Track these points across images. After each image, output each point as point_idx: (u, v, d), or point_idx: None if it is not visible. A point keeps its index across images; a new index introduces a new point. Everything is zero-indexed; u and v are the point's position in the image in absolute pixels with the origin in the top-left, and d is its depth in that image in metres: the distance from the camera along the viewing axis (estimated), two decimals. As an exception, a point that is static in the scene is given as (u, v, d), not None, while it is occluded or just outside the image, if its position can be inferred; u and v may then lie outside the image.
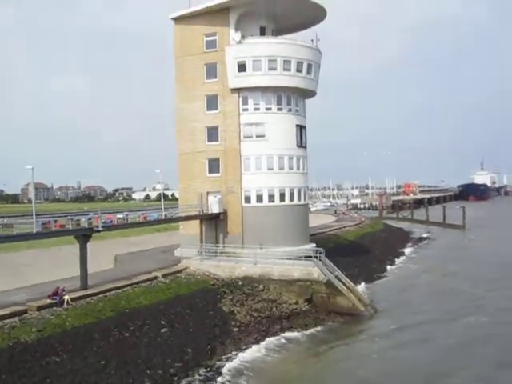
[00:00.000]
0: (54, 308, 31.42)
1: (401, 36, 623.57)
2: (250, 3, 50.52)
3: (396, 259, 69.85)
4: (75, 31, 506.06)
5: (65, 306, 31.91)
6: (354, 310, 41.00)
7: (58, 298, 32.14)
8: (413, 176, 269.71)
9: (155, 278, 40.86)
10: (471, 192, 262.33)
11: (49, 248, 55.32)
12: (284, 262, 43.55)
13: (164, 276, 41.61)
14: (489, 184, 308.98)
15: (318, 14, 54.32)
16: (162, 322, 33.71)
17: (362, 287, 49.43)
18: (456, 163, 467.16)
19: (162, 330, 32.70)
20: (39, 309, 30.79)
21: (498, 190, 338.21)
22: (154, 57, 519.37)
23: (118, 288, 36.81)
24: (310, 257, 43.16)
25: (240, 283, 42.66)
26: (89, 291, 35.24)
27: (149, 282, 39.64)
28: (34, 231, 34.46)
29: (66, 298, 32.43)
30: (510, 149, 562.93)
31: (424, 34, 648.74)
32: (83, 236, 37.37)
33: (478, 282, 53.52)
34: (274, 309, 39.95)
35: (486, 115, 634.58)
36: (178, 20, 53.09)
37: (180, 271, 44.11)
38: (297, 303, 41.05)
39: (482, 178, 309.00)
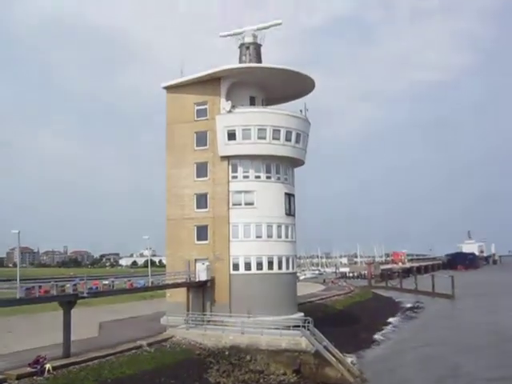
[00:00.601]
0: (35, 377, 30.56)
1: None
2: (240, 74, 51.94)
3: (385, 328, 69.03)
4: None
5: (46, 375, 31.01)
6: (343, 381, 40.05)
7: (38, 367, 31.28)
8: (400, 243, 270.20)
9: (140, 346, 39.98)
10: (460, 261, 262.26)
11: (32, 314, 54.18)
12: (272, 331, 42.84)
13: (149, 345, 40.73)
14: (477, 253, 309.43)
15: (307, 86, 55.81)
16: (146, 393, 32.80)
17: (350, 357, 48.53)
18: (443, 231, 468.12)
19: (146, 402, 31.79)
20: (19, 378, 29.89)
21: (486, 258, 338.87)
22: (146, 123, 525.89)
23: (102, 357, 35.93)
24: (299, 326, 42.60)
25: (227, 353, 41.79)
26: (71, 359, 34.40)
27: (133, 351, 38.75)
28: (18, 297, 33.88)
29: (48, 366, 31.56)
30: (496, 217, 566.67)
31: (410, 100, 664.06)
32: (68, 302, 36.75)
33: (464, 351, 53.13)
34: (262, 380, 39.08)
35: (471, 183, 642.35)
36: (169, 89, 54.27)
37: (166, 340, 43.21)
38: (285, 374, 40.10)
39: (469, 247, 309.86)
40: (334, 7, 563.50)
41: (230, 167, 51.30)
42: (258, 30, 55.83)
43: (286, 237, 52.66)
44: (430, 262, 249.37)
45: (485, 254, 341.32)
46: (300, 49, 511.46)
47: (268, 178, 51.84)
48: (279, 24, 56.26)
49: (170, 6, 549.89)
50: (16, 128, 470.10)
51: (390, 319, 78.23)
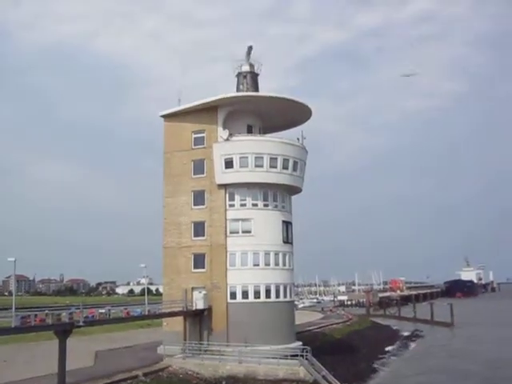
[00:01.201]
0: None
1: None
2: (237, 103, 52.32)
3: (384, 357, 68.32)
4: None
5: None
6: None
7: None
8: (398, 271, 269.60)
9: (136, 376, 39.53)
10: (458, 289, 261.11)
11: (27, 343, 53.63)
12: (269, 360, 42.45)
13: (145, 375, 40.26)
14: (475, 280, 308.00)
15: (304, 114, 56.22)
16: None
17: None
18: (441, 259, 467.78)
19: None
20: (13, 409, 29.50)
21: (484, 286, 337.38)
22: (147, 151, 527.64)
23: (97, 387, 35.51)
24: (297, 355, 42.21)
25: (224, 383, 41.32)
26: (66, 390, 33.94)
27: (129, 381, 38.35)
28: (13, 325, 33.58)
29: (42, 397, 31.16)
30: (494, 245, 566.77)
31: (407, 128, 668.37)
32: (63, 331, 36.40)
33: (462, 378, 52.71)
34: (259, 410, 38.54)
35: (468, 211, 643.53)
36: (167, 117, 54.66)
37: (162, 370, 42.76)
38: (282, 404, 39.65)
39: (468, 274, 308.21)
40: (328, 37, 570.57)
41: (227, 195, 51.36)
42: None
43: (284, 265, 52.49)
44: (429, 290, 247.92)
45: (483, 282, 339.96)
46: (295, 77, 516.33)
47: (265, 205, 51.88)
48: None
49: (169, 36, 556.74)
50: (14, 155, 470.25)
51: (389, 348, 77.46)
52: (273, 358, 42.79)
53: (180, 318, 50.19)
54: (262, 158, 50.61)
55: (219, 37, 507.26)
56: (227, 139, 51.28)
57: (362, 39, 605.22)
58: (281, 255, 52.17)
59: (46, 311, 37.85)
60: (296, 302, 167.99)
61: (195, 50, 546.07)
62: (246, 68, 56.45)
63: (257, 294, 50.13)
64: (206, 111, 52.57)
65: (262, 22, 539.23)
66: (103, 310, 44.99)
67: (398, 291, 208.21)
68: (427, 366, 61.94)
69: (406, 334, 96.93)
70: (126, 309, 48.40)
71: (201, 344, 47.64)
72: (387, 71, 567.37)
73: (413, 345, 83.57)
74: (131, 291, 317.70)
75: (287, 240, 53.39)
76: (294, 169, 52.62)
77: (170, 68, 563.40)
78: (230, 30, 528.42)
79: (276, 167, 51.16)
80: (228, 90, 55.73)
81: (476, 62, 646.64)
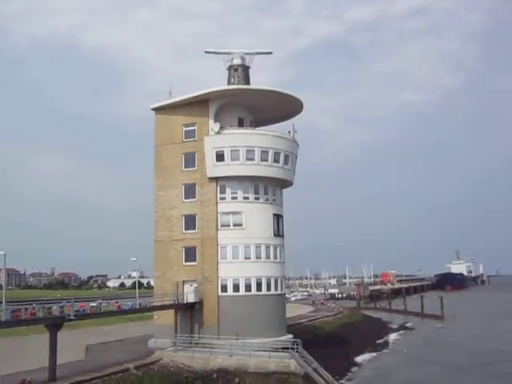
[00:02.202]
0: (20, 402, 30.09)
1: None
2: (228, 96, 52.18)
3: (374, 350, 68.70)
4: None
5: (31, 399, 30.56)
6: (332, 405, 39.80)
7: (24, 391, 30.82)
8: (389, 264, 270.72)
9: (127, 369, 39.49)
10: (448, 281, 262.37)
11: (18, 336, 53.49)
12: (260, 353, 42.48)
13: (136, 368, 40.25)
14: (465, 273, 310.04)
15: (296, 107, 56.17)
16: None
17: (340, 379, 48.24)
18: (431, 252, 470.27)
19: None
20: (4, 402, 29.47)
21: (474, 279, 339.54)
22: (127, 144, 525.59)
23: (88, 380, 35.43)
24: (287, 348, 42.32)
25: (215, 376, 41.38)
26: (57, 383, 33.92)
27: (120, 374, 38.22)
28: (3, 319, 33.50)
29: (33, 390, 31.13)
30: (484, 238, 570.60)
31: (400, 123, 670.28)
32: (54, 325, 36.34)
33: (452, 371, 53.20)
34: (250, 403, 38.63)
35: (460, 204, 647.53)
36: (158, 110, 54.40)
37: (153, 363, 42.73)
38: (273, 397, 39.74)
39: (458, 267, 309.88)
40: (321, 30, 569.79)
41: (219, 188, 51.28)
42: (249, 54, 56.40)
43: (275, 258, 52.53)
44: (419, 283, 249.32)
45: (473, 275, 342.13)
46: (288, 71, 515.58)
47: (256, 199, 51.84)
48: (269, 53, 57.19)
49: (162, 29, 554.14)
50: (2, 148, 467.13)
51: (379, 340, 77.91)
52: (264, 350, 42.76)
53: (171, 312, 50.18)
54: (254, 151, 50.54)
55: (212, 30, 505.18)
56: (218, 132, 51.13)
57: (355, 33, 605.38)
58: (272, 248, 52.20)
59: (36, 304, 37.74)
60: (288, 295, 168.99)
61: (187, 43, 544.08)
62: (237, 61, 56.21)
63: (248, 287, 50.14)
64: (197, 104, 52.37)
65: (255, 16, 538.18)
66: (94, 304, 44.94)
67: (389, 284, 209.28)
68: (416, 358, 62.38)
69: (396, 326, 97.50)
70: (117, 302, 48.32)
71: (192, 337, 47.61)
72: (380, 65, 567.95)
73: (403, 337, 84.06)
74: (122, 284, 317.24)
75: (278, 233, 53.42)
76: (286, 162, 52.60)
77: (162, 61, 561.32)
78: (222, 24, 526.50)
79: (267, 160, 51.10)
80: (219, 83, 55.70)
81: (469, 55, 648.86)
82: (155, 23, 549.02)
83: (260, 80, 57.24)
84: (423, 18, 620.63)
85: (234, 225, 50.83)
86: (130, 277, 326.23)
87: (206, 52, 56.89)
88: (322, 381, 41.12)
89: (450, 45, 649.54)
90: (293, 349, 41.94)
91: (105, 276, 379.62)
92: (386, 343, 76.64)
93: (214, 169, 50.81)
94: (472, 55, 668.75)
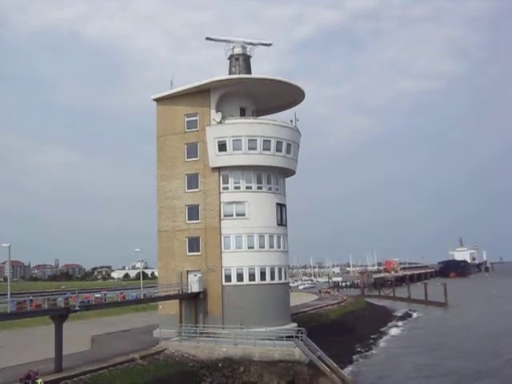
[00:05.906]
0: (26, 392, 30.22)
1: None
2: (229, 85, 52.00)
3: (379, 338, 68.99)
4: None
5: (37, 390, 30.70)
6: (337, 392, 39.91)
7: (30, 382, 30.90)
8: (393, 252, 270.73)
9: (133, 359, 39.64)
10: (452, 269, 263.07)
11: (24, 328, 53.69)
12: (265, 342, 42.63)
13: (142, 358, 40.40)
14: (469, 260, 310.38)
15: (297, 96, 56.00)
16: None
17: (345, 367, 48.42)
18: (435, 239, 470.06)
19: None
20: (10, 393, 29.62)
21: (478, 266, 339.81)
22: (130, 135, 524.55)
23: (94, 371, 35.57)
24: (292, 337, 42.43)
25: (220, 365, 41.53)
26: (63, 374, 34.04)
27: (126, 364, 38.37)
28: (8, 311, 33.62)
29: (39, 381, 31.15)
30: (487, 225, 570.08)
31: (404, 111, 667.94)
32: (59, 316, 36.47)
33: (459, 357, 53.59)
34: (255, 391, 38.78)
35: (463, 191, 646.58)
36: (159, 101, 54.25)
37: (158, 353, 42.86)
38: (279, 385, 39.88)
39: (461, 255, 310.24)
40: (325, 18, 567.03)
41: (221, 178, 51.23)
42: (250, 44, 56.21)
43: (278, 247, 52.56)
44: (423, 270, 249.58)
45: (476, 262, 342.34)
46: (290, 60, 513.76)
47: (259, 188, 51.79)
48: (269, 45, 57.05)
49: (163, 19, 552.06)
50: (5, 140, 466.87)
51: (384, 328, 78.17)
52: (268, 339, 42.92)
53: (176, 302, 50.30)
54: (256, 140, 50.43)
55: (213, 19, 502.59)
56: (220, 122, 50.98)
57: (357, 21, 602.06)
58: (275, 237, 52.20)
59: (39, 296, 37.83)
60: (295, 284, 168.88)
61: (189, 33, 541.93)
62: (238, 50, 55.99)
63: (251, 277, 50.21)
64: (199, 94, 52.21)
65: (257, 4, 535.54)
66: (99, 295, 45.02)
67: (393, 272, 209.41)
68: (421, 344, 62.61)
69: (400, 314, 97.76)
70: (121, 293, 48.37)
71: (196, 327, 47.77)
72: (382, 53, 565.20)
73: (407, 324, 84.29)
74: (126, 275, 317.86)
75: (281, 222, 53.40)
76: (288, 151, 52.48)
77: (163, 51, 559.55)
78: (224, 13, 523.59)
79: (269, 150, 50.99)
80: (221, 72, 55.52)
81: (472, 42, 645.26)
82: (156, 13, 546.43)
83: (262, 69, 57.13)
84: (425, 4, 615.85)
85: (237, 214, 50.82)
86: (134, 268, 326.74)
87: (206, 39, 56.63)
88: (327, 369, 41.19)
89: (454, 32, 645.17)
90: (297, 337, 42.02)
91: (109, 267, 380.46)
92: (390, 330, 76.85)
93: (217, 159, 50.72)
94: (475, 42, 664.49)
